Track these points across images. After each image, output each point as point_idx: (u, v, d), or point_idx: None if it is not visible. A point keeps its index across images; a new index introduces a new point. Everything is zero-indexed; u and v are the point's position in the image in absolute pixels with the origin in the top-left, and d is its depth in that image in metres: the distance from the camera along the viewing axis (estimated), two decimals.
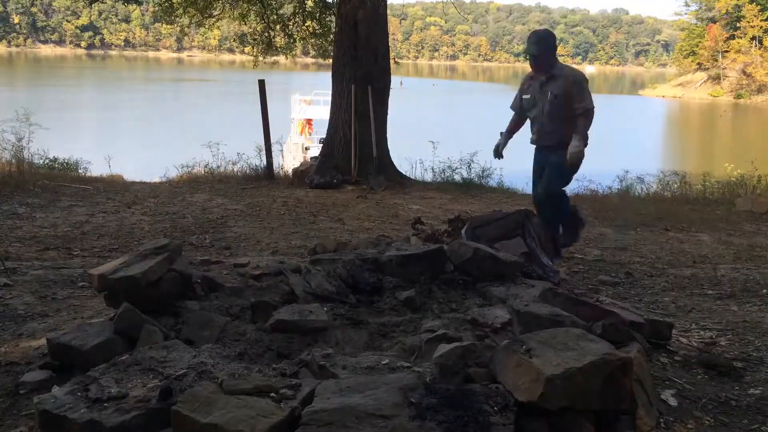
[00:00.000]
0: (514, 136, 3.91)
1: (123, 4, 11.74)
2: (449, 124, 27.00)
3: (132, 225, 5.17)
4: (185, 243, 4.65)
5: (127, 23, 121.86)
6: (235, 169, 8.88)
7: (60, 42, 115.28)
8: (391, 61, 9.02)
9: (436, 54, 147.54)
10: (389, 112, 8.78)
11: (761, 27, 58.42)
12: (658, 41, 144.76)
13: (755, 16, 58.58)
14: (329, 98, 9.00)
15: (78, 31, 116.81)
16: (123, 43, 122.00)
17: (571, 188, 8.48)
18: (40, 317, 2.49)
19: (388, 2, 8.72)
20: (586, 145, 3.55)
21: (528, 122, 3.79)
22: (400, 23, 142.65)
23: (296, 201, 6.72)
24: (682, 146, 31.60)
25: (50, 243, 4.35)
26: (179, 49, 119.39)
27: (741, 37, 60.89)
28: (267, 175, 8.41)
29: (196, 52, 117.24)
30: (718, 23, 63.98)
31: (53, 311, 2.57)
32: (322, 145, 9.60)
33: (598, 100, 3.80)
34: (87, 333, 1.89)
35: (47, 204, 5.81)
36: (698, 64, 65.88)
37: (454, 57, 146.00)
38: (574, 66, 5.25)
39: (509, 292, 2.33)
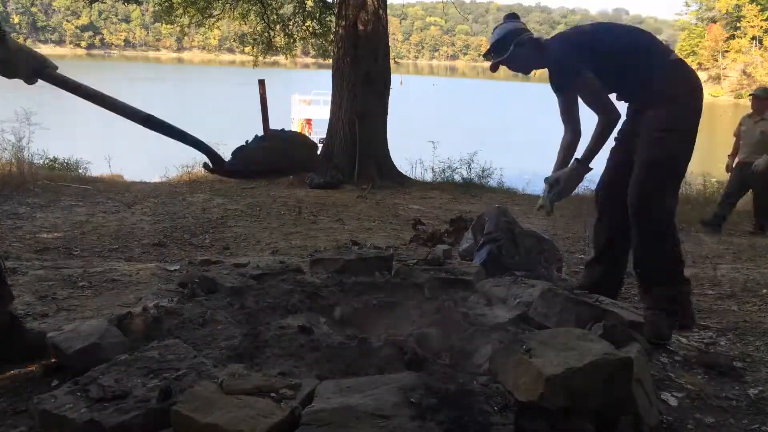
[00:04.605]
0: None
1: (123, 3, 11.76)
2: (449, 123, 26.99)
3: (132, 225, 5.17)
4: (185, 243, 4.66)
5: (127, 23, 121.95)
6: None
7: (60, 42, 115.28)
8: (391, 61, 9.03)
9: (436, 54, 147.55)
10: (389, 111, 8.79)
11: (761, 27, 58.39)
12: None
13: (755, 16, 58.55)
14: (329, 98, 9.01)
15: (78, 31, 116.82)
16: (123, 43, 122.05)
17: None
18: (40, 317, 2.49)
19: (388, 2, 8.73)
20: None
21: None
22: (400, 23, 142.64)
23: (296, 201, 6.72)
24: None
25: (50, 243, 4.36)
26: (179, 49, 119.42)
27: (741, 37, 60.88)
28: None
29: (196, 53, 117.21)
30: (718, 23, 63.96)
31: (53, 311, 2.56)
32: (322, 145, 9.61)
33: None
34: (80, 335, 1.88)
35: (47, 204, 5.81)
36: (698, 64, 65.87)
37: (454, 57, 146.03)
38: None
39: (509, 292, 2.33)
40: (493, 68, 2.75)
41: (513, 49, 2.62)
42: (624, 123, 2.66)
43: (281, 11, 13.04)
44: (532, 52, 2.66)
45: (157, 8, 12.36)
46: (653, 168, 2.44)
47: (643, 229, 2.47)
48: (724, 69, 61.33)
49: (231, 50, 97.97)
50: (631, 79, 2.58)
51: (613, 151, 2.74)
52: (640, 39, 2.62)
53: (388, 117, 8.75)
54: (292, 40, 13.11)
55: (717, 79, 62.39)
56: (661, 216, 2.46)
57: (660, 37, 2.99)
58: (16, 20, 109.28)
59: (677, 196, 2.60)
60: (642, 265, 2.54)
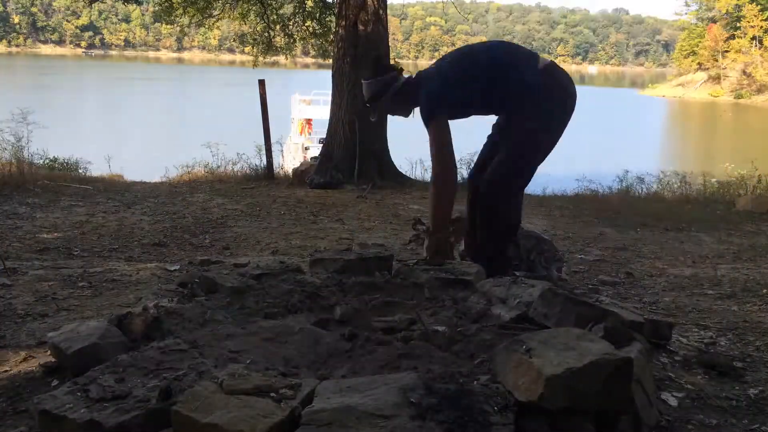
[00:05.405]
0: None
1: (123, 3, 11.76)
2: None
3: (132, 225, 5.17)
4: (185, 243, 4.66)
5: (127, 23, 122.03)
6: (235, 169, 8.88)
7: (60, 42, 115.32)
8: (392, 61, 9.02)
9: (436, 54, 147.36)
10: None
11: (761, 27, 58.32)
12: (658, 41, 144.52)
13: (755, 16, 58.48)
14: (329, 98, 9.00)
15: (78, 30, 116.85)
16: (123, 43, 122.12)
17: (572, 188, 8.56)
18: (40, 317, 2.49)
19: (388, 2, 8.72)
20: None
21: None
22: (400, 23, 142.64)
23: (296, 201, 6.72)
24: (682, 146, 31.60)
25: (50, 243, 4.36)
26: (179, 49, 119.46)
27: (741, 37, 60.82)
28: (267, 175, 8.41)
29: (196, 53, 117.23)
30: (718, 23, 63.92)
31: (53, 311, 2.56)
32: (322, 145, 9.59)
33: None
34: (79, 335, 1.88)
35: (47, 204, 5.81)
36: (698, 64, 65.84)
37: None
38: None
39: (509, 292, 2.32)
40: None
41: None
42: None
43: (281, 11, 13.03)
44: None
45: (157, 8, 12.35)
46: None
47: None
48: (724, 69, 61.27)
49: (231, 50, 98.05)
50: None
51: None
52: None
53: (389, 117, 8.74)
54: (292, 40, 13.10)
55: (717, 79, 62.33)
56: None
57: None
58: (16, 20, 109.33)
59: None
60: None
